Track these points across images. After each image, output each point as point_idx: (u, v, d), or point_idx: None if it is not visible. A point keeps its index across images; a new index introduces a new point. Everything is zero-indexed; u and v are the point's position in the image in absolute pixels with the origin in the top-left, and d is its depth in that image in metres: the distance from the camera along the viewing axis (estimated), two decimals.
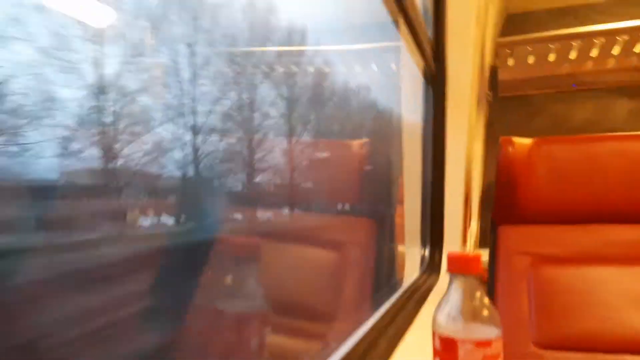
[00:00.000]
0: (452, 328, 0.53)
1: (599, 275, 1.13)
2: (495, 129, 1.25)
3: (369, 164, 1.35)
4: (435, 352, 0.54)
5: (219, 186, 0.91)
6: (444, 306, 0.55)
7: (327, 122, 1.35)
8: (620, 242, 1.17)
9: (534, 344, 1.10)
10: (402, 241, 1.39)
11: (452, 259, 0.55)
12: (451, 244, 1.27)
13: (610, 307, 1.09)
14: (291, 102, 1.18)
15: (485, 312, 0.53)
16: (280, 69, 1.24)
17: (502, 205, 1.25)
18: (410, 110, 1.33)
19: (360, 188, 1.33)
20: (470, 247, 2.06)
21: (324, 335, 1.15)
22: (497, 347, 0.51)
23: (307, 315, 1.15)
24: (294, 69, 1.31)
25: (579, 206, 1.21)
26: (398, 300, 0.92)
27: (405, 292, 1.02)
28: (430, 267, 1.27)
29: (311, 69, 1.35)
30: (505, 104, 2.64)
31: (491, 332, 0.52)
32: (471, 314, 0.54)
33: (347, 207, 1.31)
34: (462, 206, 1.27)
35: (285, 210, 1.21)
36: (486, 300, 0.54)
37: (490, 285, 1.22)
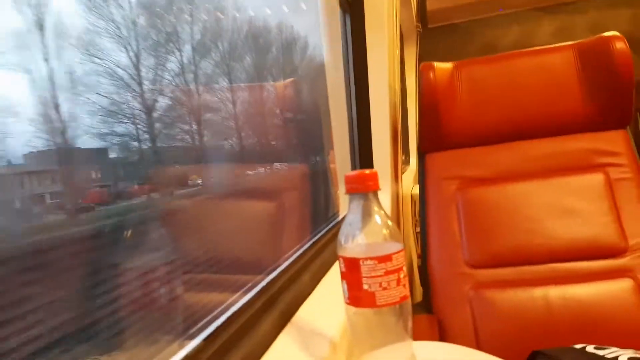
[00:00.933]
0: (354, 248, 0.52)
1: (522, 190, 1.16)
2: (428, 61, 1.23)
3: (296, 107, 1.31)
4: (342, 275, 0.53)
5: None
6: (345, 228, 0.53)
7: (251, 67, 1.28)
8: (539, 156, 1.20)
9: (466, 264, 1.14)
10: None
11: (347, 179, 0.53)
12: (382, 179, 1.27)
13: (534, 220, 1.13)
14: (208, 48, 1.10)
15: (385, 228, 0.52)
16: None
17: (427, 132, 1.25)
18: (332, 45, 1.28)
19: (288, 133, 1.30)
20: (410, 180, 2.09)
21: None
22: (399, 260, 0.51)
23: (247, 268, 1.13)
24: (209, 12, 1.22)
25: (500, 125, 1.23)
26: (324, 236, 0.91)
27: (332, 228, 1.02)
28: None
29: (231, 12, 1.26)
30: (435, 35, 2.65)
31: (392, 247, 0.51)
32: (371, 232, 0.52)
33: (276, 154, 1.27)
34: (389, 140, 1.26)
35: (211, 166, 1.16)
36: (385, 216, 0.53)
37: (423, 212, 1.24)
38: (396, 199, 1.38)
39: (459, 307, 1.09)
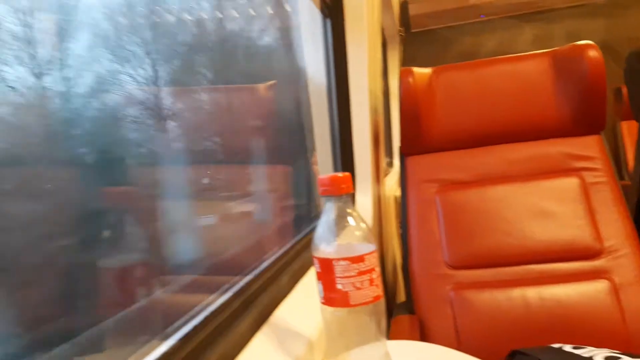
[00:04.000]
0: (328, 249, 0.53)
1: (500, 193, 1.18)
2: (412, 65, 1.25)
3: (278, 108, 1.32)
4: (318, 276, 0.54)
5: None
6: (320, 229, 0.54)
7: (228, 70, 1.28)
8: (517, 159, 1.22)
9: (446, 265, 1.15)
10: None
11: (321, 182, 0.54)
12: (363, 181, 1.28)
13: (512, 222, 1.15)
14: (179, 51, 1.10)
15: (358, 230, 0.53)
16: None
17: (407, 136, 1.27)
18: (313, 50, 1.29)
19: (270, 134, 1.30)
20: (394, 182, 2.11)
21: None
22: (372, 261, 0.52)
23: (228, 269, 1.13)
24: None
25: (478, 129, 1.25)
26: (304, 237, 0.92)
27: (313, 229, 1.02)
28: None
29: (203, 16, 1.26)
30: (418, 40, 2.70)
31: (365, 248, 0.52)
32: (345, 233, 0.53)
33: (257, 155, 1.28)
34: (370, 143, 1.27)
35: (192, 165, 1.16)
36: (359, 218, 0.54)
37: (404, 214, 1.25)
38: (377, 201, 1.40)
39: (439, 307, 1.10)
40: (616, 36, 2.44)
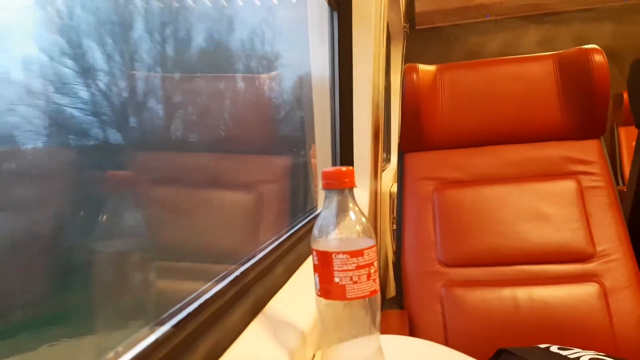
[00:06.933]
0: (327, 242, 0.53)
1: (496, 193, 1.19)
2: (414, 61, 1.25)
3: (280, 99, 1.32)
4: (315, 268, 0.54)
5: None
6: (320, 222, 0.55)
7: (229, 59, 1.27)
8: (515, 161, 1.23)
9: (439, 262, 1.16)
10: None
11: (325, 175, 0.54)
12: (361, 176, 1.29)
13: (507, 223, 1.16)
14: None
15: (359, 224, 0.54)
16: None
17: (407, 132, 1.27)
18: (319, 42, 1.29)
19: (271, 124, 1.30)
20: (390, 178, 2.12)
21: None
22: (370, 256, 0.52)
23: (223, 258, 1.14)
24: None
25: (479, 129, 1.26)
26: (300, 229, 0.93)
27: (309, 222, 1.03)
28: None
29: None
30: (422, 36, 2.70)
31: (364, 243, 0.52)
32: (345, 227, 0.54)
33: (257, 145, 1.27)
34: (370, 138, 1.28)
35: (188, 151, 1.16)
36: (359, 212, 0.54)
37: (400, 210, 1.26)
38: (374, 196, 1.40)
39: (429, 303, 1.11)
40: (622, 42, 2.45)
